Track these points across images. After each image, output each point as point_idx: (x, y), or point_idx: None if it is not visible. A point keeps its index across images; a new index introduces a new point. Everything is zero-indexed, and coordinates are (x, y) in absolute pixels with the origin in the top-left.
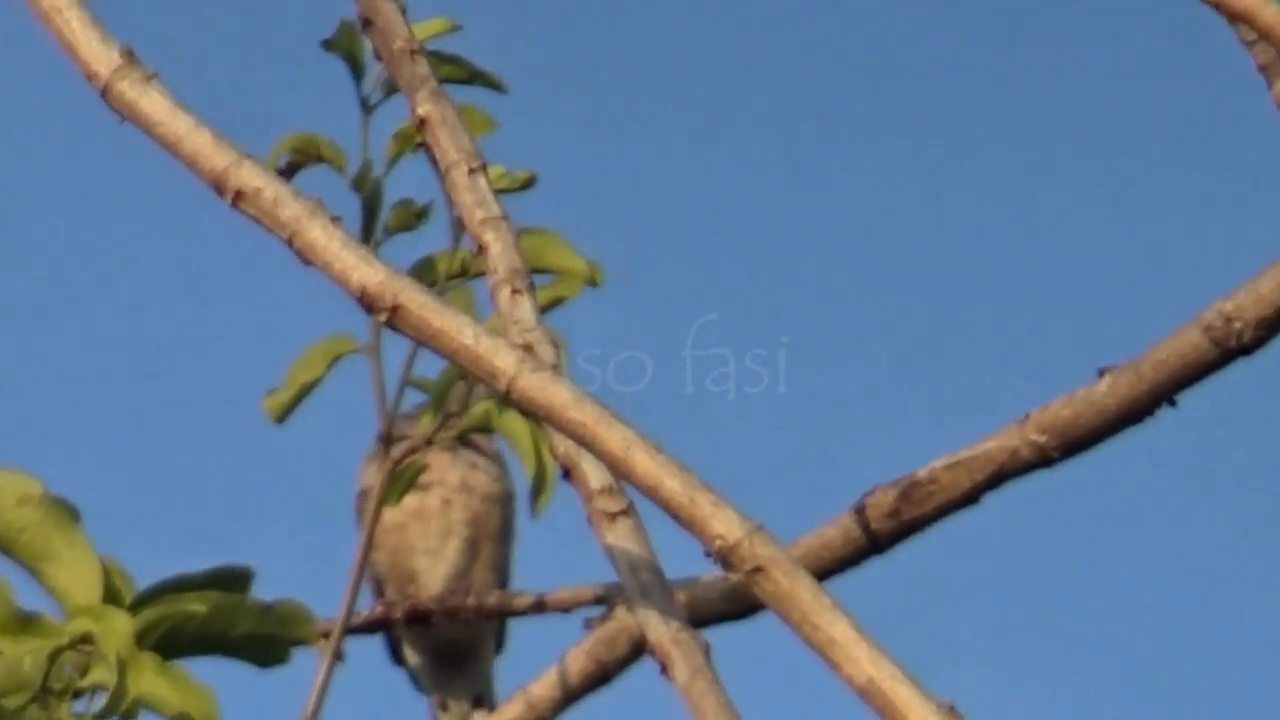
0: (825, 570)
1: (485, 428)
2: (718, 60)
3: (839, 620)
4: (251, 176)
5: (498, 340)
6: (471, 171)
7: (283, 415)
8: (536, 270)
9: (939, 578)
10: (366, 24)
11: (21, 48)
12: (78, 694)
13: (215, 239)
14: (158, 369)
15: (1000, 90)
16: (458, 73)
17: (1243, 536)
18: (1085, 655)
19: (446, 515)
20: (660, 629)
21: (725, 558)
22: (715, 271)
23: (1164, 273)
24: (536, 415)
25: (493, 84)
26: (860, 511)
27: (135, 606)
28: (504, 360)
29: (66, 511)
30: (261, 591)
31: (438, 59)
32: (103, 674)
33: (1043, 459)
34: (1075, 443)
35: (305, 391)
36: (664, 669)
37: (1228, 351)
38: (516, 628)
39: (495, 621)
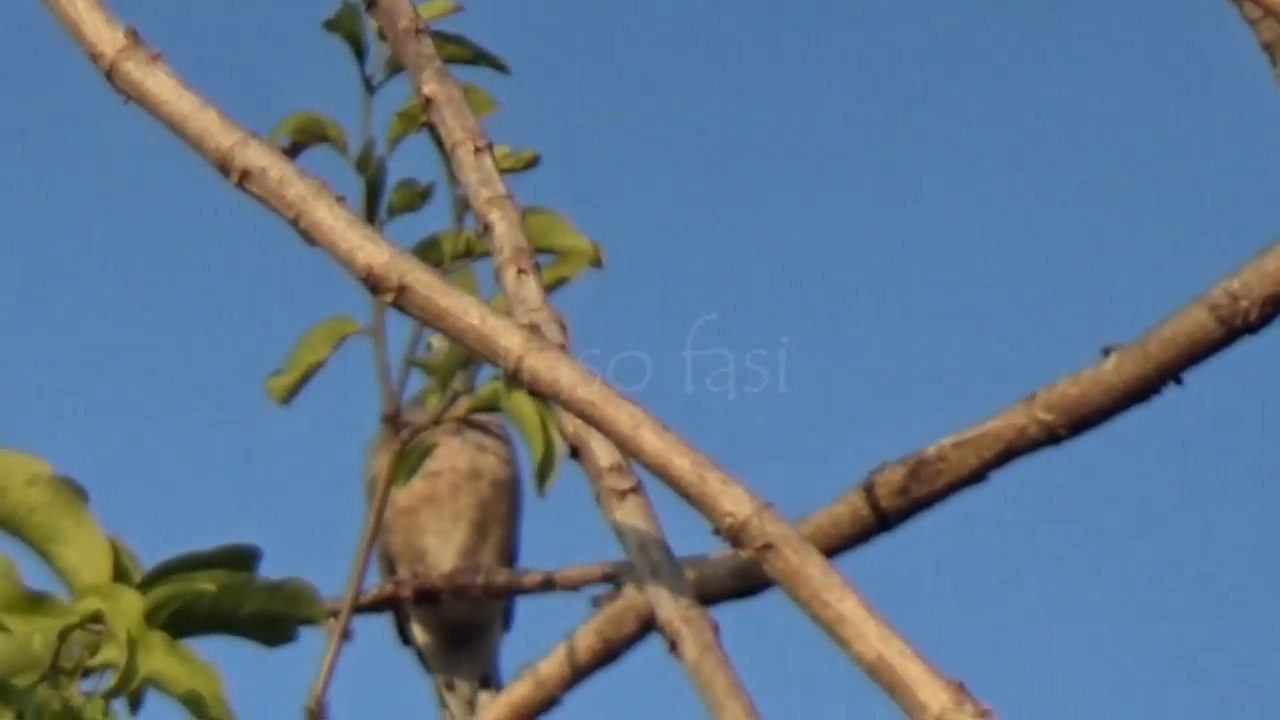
0: (834, 547)
1: (492, 407)
2: (722, 46)
3: (848, 597)
4: (257, 156)
5: (504, 320)
6: (477, 150)
7: (287, 396)
8: (540, 250)
9: (947, 554)
10: (370, 4)
11: (25, 29)
12: (87, 673)
13: (217, 219)
14: (162, 349)
15: (1004, 66)
16: (462, 53)
17: (1249, 514)
18: (1093, 632)
19: (456, 500)
20: (669, 607)
21: (734, 535)
22: (717, 254)
23: (1169, 251)
24: (544, 394)
25: (496, 65)
26: (869, 489)
27: (145, 585)
28: (511, 340)
29: (74, 492)
30: (266, 572)
31: (441, 39)
32: (112, 653)
33: (1050, 437)
34: (1082, 421)
35: (309, 372)
36: (673, 646)
37: (1233, 329)
38: (523, 606)
39: (503, 600)
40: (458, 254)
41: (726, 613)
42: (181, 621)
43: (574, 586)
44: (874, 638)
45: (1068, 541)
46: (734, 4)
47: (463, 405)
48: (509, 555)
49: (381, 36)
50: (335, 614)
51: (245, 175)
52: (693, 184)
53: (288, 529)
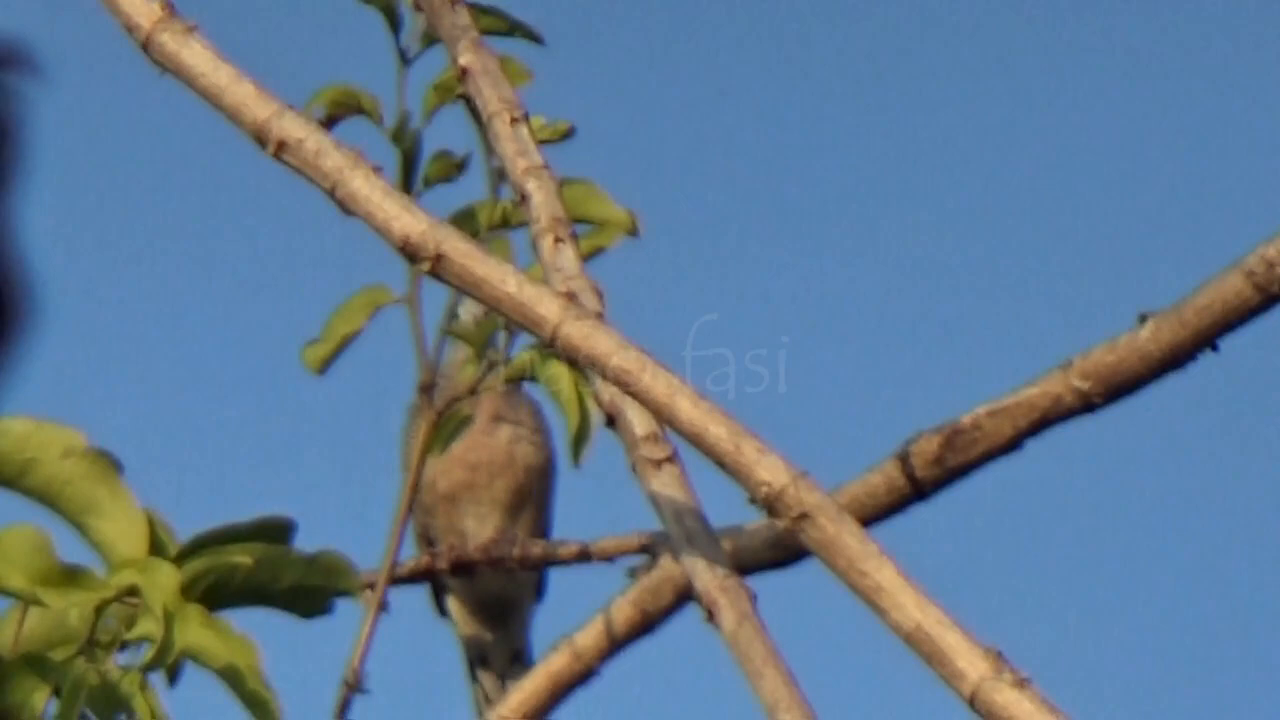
0: (869, 517)
1: (527, 376)
2: (757, 19)
3: (885, 566)
4: (294, 127)
5: (541, 288)
6: (514, 121)
7: (322, 366)
8: (576, 220)
9: (983, 524)
10: None
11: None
12: (124, 646)
13: (253, 189)
14: (198, 321)
15: (1041, 31)
16: (497, 24)
17: None
18: (1130, 599)
19: (493, 486)
20: (706, 576)
21: (770, 504)
22: (753, 224)
23: (1207, 217)
24: (580, 362)
25: (531, 36)
26: (904, 458)
27: (181, 558)
28: (548, 308)
29: (110, 464)
30: (302, 544)
31: (477, 10)
32: (149, 626)
33: (1086, 405)
34: (1118, 388)
35: (345, 343)
36: (710, 616)
37: (1270, 296)
38: (558, 578)
39: (536, 572)
40: (494, 224)
41: (762, 583)
42: (218, 594)
43: (610, 557)
44: (911, 606)
45: (1104, 509)
46: None
47: (499, 374)
48: (543, 532)
49: (417, 8)
50: (371, 586)
51: (282, 146)
52: (728, 153)
53: (324, 500)
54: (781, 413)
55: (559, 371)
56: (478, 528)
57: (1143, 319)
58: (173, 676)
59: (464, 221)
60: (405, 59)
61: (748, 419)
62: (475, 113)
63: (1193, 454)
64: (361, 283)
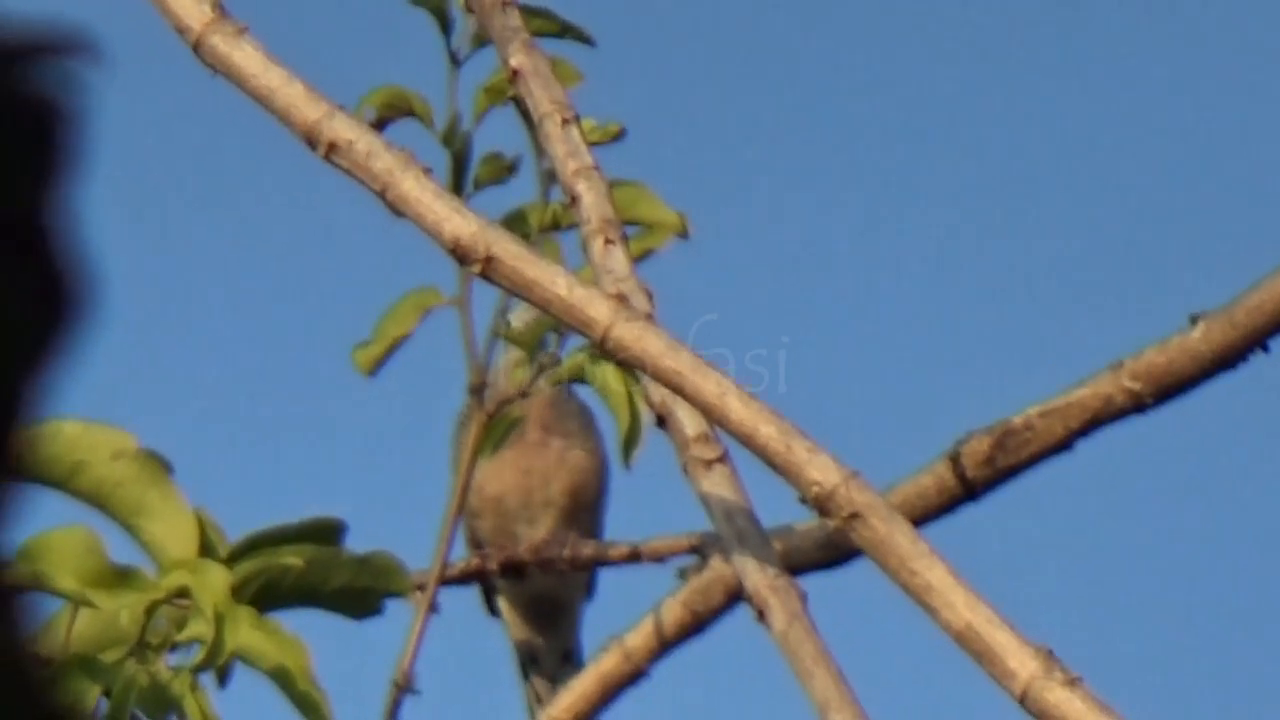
0: (920, 517)
1: (578, 379)
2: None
3: (936, 565)
4: (345, 129)
5: (591, 290)
6: (564, 122)
7: (373, 368)
8: (626, 222)
9: (1034, 524)
10: None
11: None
12: (174, 648)
13: (304, 191)
14: (248, 322)
15: (1099, 27)
16: (548, 26)
17: None
18: (1180, 598)
19: (547, 489)
20: (756, 575)
21: (821, 504)
22: (798, 224)
23: (1257, 217)
24: (631, 364)
25: (582, 37)
26: (955, 459)
27: (231, 560)
28: (598, 309)
29: (160, 465)
30: (352, 545)
31: (528, 12)
32: (199, 627)
33: (1137, 405)
34: (1169, 389)
35: (395, 344)
36: (760, 615)
37: None
38: (609, 578)
39: (587, 573)
40: (545, 227)
41: (813, 583)
42: (268, 595)
43: (660, 558)
44: (962, 606)
45: (1155, 510)
46: None
47: (549, 377)
48: (594, 533)
49: (468, 10)
50: (422, 587)
51: (332, 148)
52: (778, 155)
53: (374, 502)
54: (833, 413)
55: (609, 373)
56: (529, 532)
57: (1194, 320)
58: (223, 678)
59: (515, 224)
60: (456, 61)
61: (799, 419)
62: (526, 114)
63: (1243, 454)
64: (412, 285)
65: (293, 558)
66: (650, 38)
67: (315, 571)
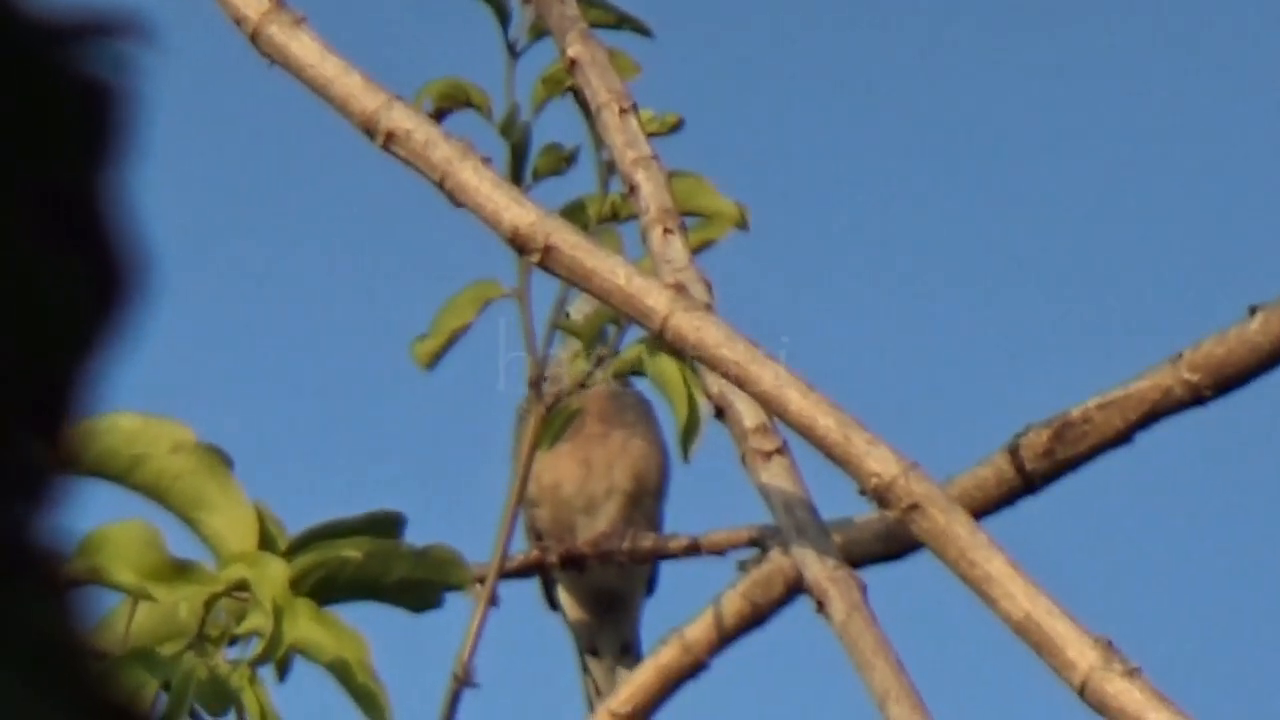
0: (979, 510)
1: (636, 370)
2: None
3: (995, 556)
4: (403, 119)
5: (650, 280)
6: (623, 112)
7: (432, 361)
8: (685, 213)
9: (1093, 516)
10: None
11: None
12: (233, 640)
13: (362, 181)
14: (308, 315)
15: (1156, 26)
16: (605, 17)
17: None
18: (1240, 590)
19: (609, 478)
20: (816, 566)
21: (880, 495)
22: (856, 215)
23: None
24: (689, 354)
25: (639, 28)
26: (1014, 451)
27: (290, 553)
28: (657, 299)
29: (219, 458)
30: (411, 538)
31: (585, 3)
32: (258, 620)
33: (1196, 397)
34: (1228, 381)
35: (454, 337)
36: (820, 606)
37: None
38: (668, 571)
39: (647, 565)
40: (603, 217)
41: (872, 575)
42: (327, 588)
43: (720, 550)
44: (1021, 596)
45: (1213, 501)
46: None
47: (607, 370)
48: (654, 525)
49: (526, 1)
50: (481, 579)
51: (391, 138)
52: (837, 146)
53: (433, 494)
54: (893, 405)
55: (667, 365)
56: (588, 524)
57: (1252, 311)
58: (282, 671)
59: (573, 215)
60: (514, 51)
61: (858, 411)
62: (584, 105)
63: None
64: (470, 277)
65: (352, 551)
66: (707, 29)
67: (374, 564)
